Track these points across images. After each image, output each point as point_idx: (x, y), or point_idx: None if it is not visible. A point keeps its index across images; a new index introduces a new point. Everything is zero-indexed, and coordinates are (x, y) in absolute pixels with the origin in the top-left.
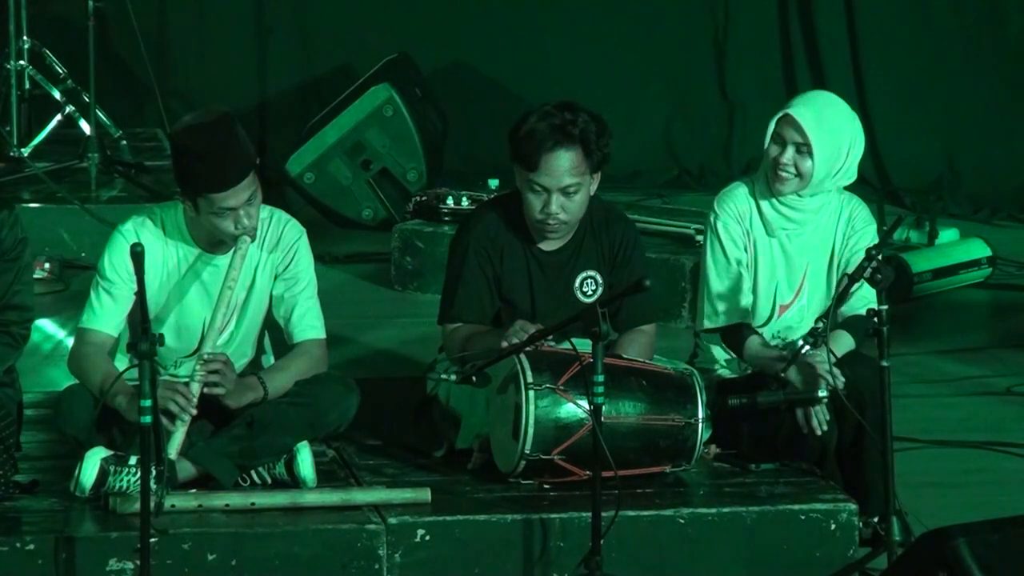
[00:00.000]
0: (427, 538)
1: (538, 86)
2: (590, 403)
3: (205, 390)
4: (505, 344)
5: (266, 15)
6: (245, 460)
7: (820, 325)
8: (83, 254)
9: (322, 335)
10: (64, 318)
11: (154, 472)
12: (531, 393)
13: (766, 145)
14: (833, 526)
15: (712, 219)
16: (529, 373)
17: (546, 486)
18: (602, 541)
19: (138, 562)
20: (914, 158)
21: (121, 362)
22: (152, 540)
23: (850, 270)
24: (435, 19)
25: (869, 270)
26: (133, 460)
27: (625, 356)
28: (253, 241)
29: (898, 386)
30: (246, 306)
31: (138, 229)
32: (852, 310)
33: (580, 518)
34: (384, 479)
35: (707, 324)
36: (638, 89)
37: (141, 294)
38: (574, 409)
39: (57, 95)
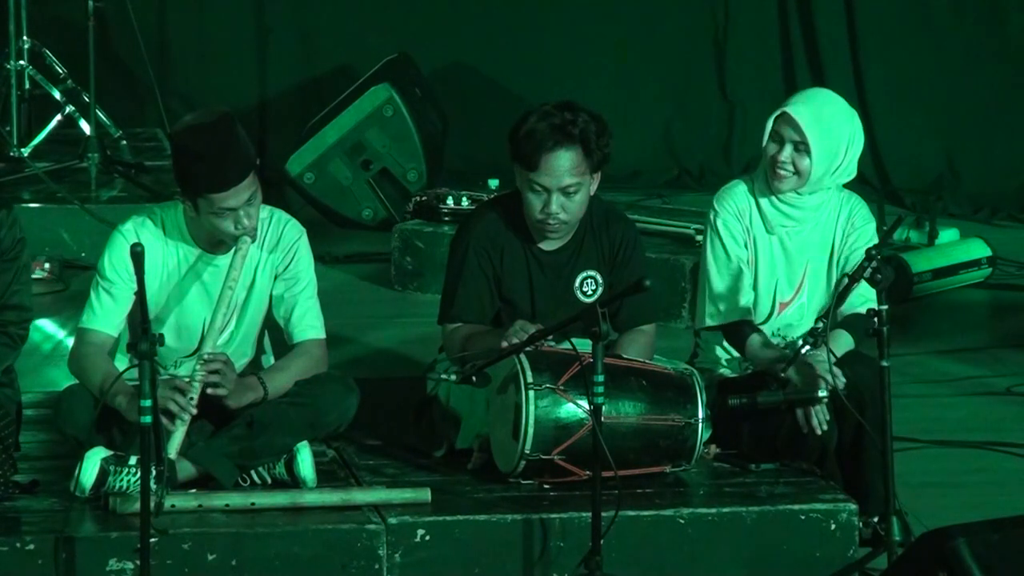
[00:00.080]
0: (427, 538)
1: (538, 86)
2: (590, 403)
3: (206, 390)
4: (505, 344)
5: (266, 15)
6: (245, 460)
7: (820, 325)
8: (83, 254)
9: (322, 335)
10: (64, 318)
11: (154, 472)
12: (531, 393)
13: (764, 143)
14: (833, 526)
15: (712, 216)
16: (529, 373)
17: (546, 486)
18: (602, 541)
19: (138, 562)
20: (914, 158)
21: (121, 362)
22: (152, 540)
23: (849, 268)
24: (435, 19)
25: (869, 270)
26: (133, 460)
27: (625, 356)
28: (253, 241)
29: (898, 386)
30: (246, 306)
31: (138, 229)
32: (851, 308)
33: (580, 518)
34: (384, 479)
35: (708, 322)
36: (638, 89)
37: (141, 294)
38: (574, 409)
39: (57, 95)
